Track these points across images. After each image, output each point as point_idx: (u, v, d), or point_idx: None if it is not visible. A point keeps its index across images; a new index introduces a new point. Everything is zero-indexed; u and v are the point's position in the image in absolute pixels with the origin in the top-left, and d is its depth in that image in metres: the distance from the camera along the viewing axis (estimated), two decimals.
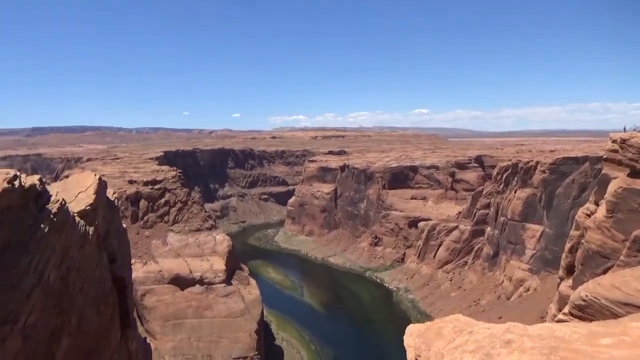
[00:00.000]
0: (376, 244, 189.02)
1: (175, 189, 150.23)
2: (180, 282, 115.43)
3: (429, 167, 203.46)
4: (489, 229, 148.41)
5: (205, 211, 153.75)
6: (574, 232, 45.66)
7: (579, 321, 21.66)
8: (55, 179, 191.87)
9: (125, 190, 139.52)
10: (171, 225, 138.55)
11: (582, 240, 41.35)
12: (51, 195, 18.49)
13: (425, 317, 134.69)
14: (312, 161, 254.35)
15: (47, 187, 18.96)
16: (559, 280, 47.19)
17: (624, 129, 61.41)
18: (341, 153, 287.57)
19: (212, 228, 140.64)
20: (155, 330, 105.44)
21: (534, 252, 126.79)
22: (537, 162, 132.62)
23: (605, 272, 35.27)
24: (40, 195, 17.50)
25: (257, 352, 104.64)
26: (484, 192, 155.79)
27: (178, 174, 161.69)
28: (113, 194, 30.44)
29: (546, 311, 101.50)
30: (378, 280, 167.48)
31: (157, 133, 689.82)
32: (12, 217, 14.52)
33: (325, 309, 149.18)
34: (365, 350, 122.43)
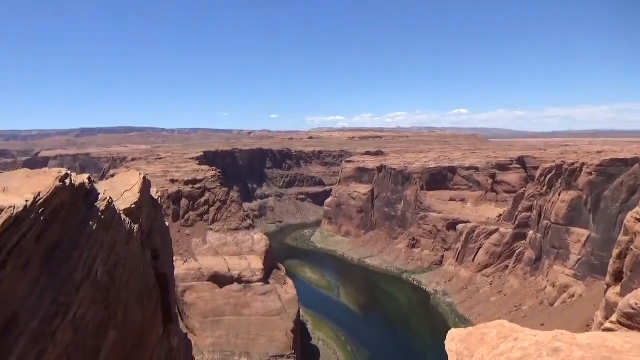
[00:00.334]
0: (413, 246, 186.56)
1: (214, 188, 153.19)
2: (219, 279, 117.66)
3: (468, 168, 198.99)
4: (531, 232, 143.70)
5: (244, 211, 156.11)
6: (622, 237, 43.50)
7: (628, 330, 20.64)
8: (102, 177, 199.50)
9: (167, 189, 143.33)
10: (210, 224, 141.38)
11: (632, 246, 39.36)
12: (99, 194, 19.18)
13: (463, 321, 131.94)
14: (349, 162, 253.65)
15: (95, 185, 19.67)
16: (606, 287, 45.09)
17: None
18: (378, 154, 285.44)
19: (250, 227, 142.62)
20: (194, 326, 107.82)
21: (579, 257, 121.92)
22: (583, 164, 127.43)
23: None
24: (89, 194, 18.18)
25: (293, 351, 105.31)
26: (526, 195, 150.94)
27: (217, 173, 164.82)
28: (156, 192, 31.34)
29: (592, 319, 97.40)
30: (415, 282, 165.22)
31: (197, 133, 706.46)
32: (64, 214, 15.16)
33: (361, 310, 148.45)
34: (402, 353, 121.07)
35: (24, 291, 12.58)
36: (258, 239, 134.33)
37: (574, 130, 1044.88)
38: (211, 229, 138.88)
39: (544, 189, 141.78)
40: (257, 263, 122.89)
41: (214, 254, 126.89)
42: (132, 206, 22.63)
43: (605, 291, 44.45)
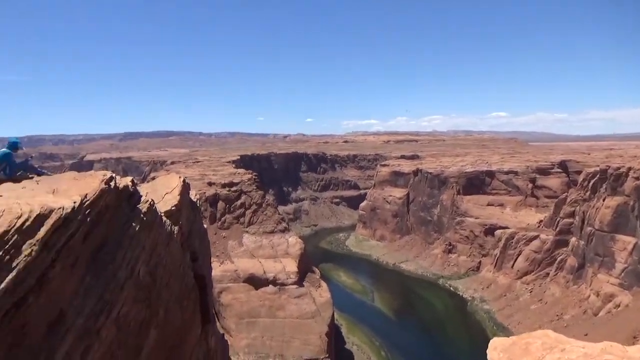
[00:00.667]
0: (450, 251, 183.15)
1: (250, 191, 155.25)
2: (255, 281, 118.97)
3: (507, 172, 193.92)
4: (573, 239, 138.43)
5: (279, 214, 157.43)
6: None
7: None
8: (143, 180, 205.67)
9: (204, 192, 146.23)
10: (246, 227, 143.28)
11: None
12: (141, 196, 19.69)
13: (502, 329, 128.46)
14: (384, 165, 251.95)
15: (137, 188, 20.24)
16: None
17: None
18: (414, 157, 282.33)
19: (285, 230, 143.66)
20: (230, 327, 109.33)
21: (626, 265, 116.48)
22: (630, 168, 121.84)
23: None
24: (132, 196, 18.71)
25: (327, 355, 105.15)
26: (568, 200, 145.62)
27: (253, 176, 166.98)
28: (195, 195, 31.98)
29: (639, 330, 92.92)
30: (452, 288, 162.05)
31: (234, 137, 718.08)
32: (109, 215, 15.67)
33: (396, 315, 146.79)
34: None
35: (71, 289, 13.07)
36: (293, 242, 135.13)
37: (619, 133, 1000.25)
38: (247, 232, 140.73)
39: (588, 194, 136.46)
40: (291, 266, 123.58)
41: (249, 256, 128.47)
42: (173, 208, 23.15)
43: None
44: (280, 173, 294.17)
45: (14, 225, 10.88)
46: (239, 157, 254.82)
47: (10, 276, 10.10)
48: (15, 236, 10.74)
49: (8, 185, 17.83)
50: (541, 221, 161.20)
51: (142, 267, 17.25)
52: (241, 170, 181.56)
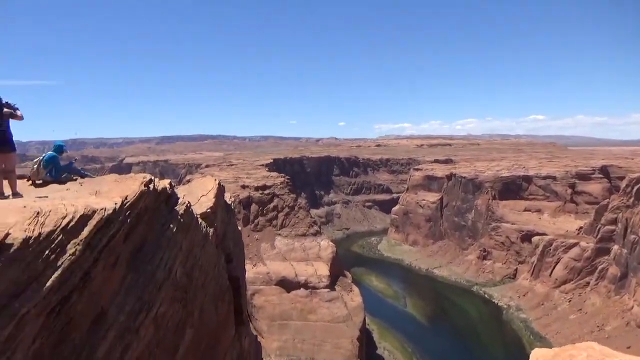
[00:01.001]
0: (485, 258, 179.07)
1: (283, 194, 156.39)
2: (286, 284, 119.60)
3: (545, 177, 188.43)
4: (615, 247, 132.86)
5: (311, 217, 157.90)
6: None
7: None
8: (179, 183, 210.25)
9: (238, 195, 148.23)
10: (279, 230, 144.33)
11: None
12: (178, 198, 20.10)
13: (539, 339, 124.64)
14: (417, 169, 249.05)
15: (174, 190, 20.66)
16: None
17: None
18: (448, 161, 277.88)
19: (317, 234, 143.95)
20: (262, 328, 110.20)
21: None
22: None
23: None
24: (169, 198, 19.10)
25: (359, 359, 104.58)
26: (610, 206, 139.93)
27: (286, 180, 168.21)
28: (230, 198, 32.47)
29: None
30: (486, 296, 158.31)
31: (267, 141, 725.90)
32: (148, 217, 16.05)
33: (428, 322, 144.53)
34: None
35: (112, 288, 13.45)
36: (325, 246, 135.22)
37: None
38: (279, 234, 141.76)
39: (631, 200, 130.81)
40: (323, 269, 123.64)
41: (281, 259, 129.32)
42: (208, 210, 23.55)
43: None
44: (312, 176, 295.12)
45: (60, 225, 11.27)
46: (272, 161, 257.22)
47: (55, 274, 10.47)
48: (61, 236, 11.12)
49: (54, 186, 18.58)
50: (581, 228, 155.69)
51: (179, 267, 17.59)
52: (274, 174, 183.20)
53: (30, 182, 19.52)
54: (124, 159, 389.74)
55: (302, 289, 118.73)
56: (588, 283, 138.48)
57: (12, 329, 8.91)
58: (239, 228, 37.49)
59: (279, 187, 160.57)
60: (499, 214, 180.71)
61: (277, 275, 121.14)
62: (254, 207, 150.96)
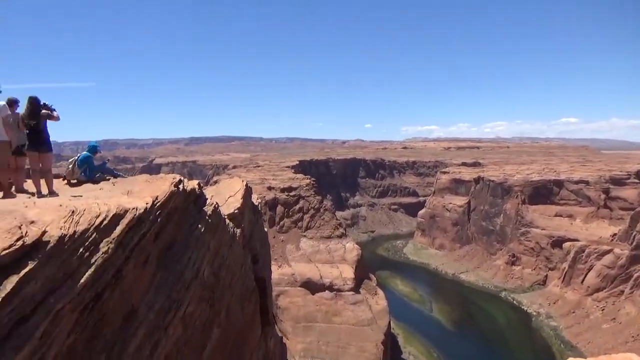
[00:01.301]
0: (513, 263, 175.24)
1: (309, 196, 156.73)
2: (311, 286, 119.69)
3: (577, 182, 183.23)
4: None
5: (336, 219, 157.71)
6: None
7: None
8: (206, 183, 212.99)
9: (264, 196, 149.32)
10: (304, 231, 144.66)
11: None
12: (207, 199, 20.35)
13: (570, 348, 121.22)
14: (444, 172, 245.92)
15: (203, 190, 20.92)
16: None
17: None
18: (475, 164, 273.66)
19: (342, 236, 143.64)
20: (287, 330, 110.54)
21: None
22: None
23: None
24: (198, 198, 19.36)
25: None
26: None
27: (312, 182, 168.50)
28: (257, 199, 32.74)
29: None
30: (515, 302, 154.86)
31: (293, 143, 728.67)
32: (177, 217, 16.30)
33: (455, 327, 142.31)
34: None
35: (142, 287, 13.71)
36: (350, 248, 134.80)
37: None
38: (305, 236, 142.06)
39: None
40: (348, 272, 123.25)
41: (306, 261, 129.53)
42: (235, 211, 23.79)
43: None
44: (338, 178, 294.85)
45: (93, 224, 11.55)
46: (298, 162, 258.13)
47: (89, 272, 10.73)
48: (94, 234, 11.40)
49: (88, 186, 19.09)
50: (615, 234, 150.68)
51: (207, 267, 17.81)
52: (300, 175, 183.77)
53: (65, 181, 20.12)
54: (153, 159, 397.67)
55: (326, 291, 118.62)
56: (622, 291, 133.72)
57: (47, 325, 9.17)
58: (265, 229, 37.72)
59: (304, 188, 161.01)
60: (528, 219, 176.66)
61: (302, 277, 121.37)
62: (279, 209, 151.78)
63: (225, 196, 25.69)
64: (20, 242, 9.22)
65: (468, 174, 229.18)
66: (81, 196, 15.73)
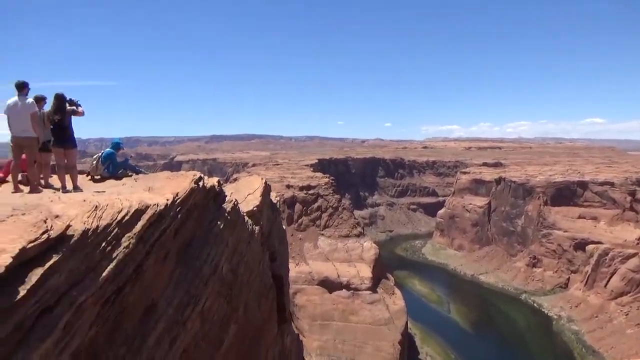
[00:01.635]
0: (534, 265, 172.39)
1: (327, 195, 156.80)
2: (328, 285, 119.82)
3: (602, 184, 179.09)
4: None
5: (355, 218, 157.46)
6: None
7: None
8: (226, 181, 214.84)
9: (283, 194, 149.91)
10: (322, 230, 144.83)
11: None
12: (226, 196, 20.56)
13: (591, 353, 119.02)
14: (464, 172, 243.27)
15: (222, 188, 21.14)
16: None
17: None
18: (497, 165, 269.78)
19: (360, 235, 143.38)
20: (303, 327, 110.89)
21: None
22: None
23: None
24: (217, 195, 19.57)
25: None
26: None
27: (331, 180, 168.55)
28: (275, 197, 32.93)
29: None
30: (535, 305, 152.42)
31: (313, 141, 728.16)
32: (197, 213, 16.52)
33: (473, 329, 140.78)
34: None
35: (162, 281, 13.95)
36: (368, 247, 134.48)
37: None
38: (322, 235, 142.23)
39: None
40: (366, 271, 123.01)
41: (324, 259, 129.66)
42: (254, 209, 23.98)
43: None
44: (357, 177, 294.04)
45: (116, 219, 11.81)
46: (317, 161, 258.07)
47: (111, 266, 10.98)
48: (116, 229, 11.65)
49: (111, 182, 19.51)
50: None
51: (225, 264, 18.01)
52: (319, 174, 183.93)
53: (89, 177, 20.59)
54: (175, 156, 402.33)
55: (344, 289, 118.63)
56: None
57: (70, 316, 9.41)
58: (283, 227, 37.91)
59: (323, 187, 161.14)
60: (550, 221, 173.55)
61: (320, 275, 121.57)
62: (298, 207, 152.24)
63: (244, 194, 25.91)
64: (45, 236, 9.48)
65: (489, 175, 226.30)
66: (104, 192, 16.08)
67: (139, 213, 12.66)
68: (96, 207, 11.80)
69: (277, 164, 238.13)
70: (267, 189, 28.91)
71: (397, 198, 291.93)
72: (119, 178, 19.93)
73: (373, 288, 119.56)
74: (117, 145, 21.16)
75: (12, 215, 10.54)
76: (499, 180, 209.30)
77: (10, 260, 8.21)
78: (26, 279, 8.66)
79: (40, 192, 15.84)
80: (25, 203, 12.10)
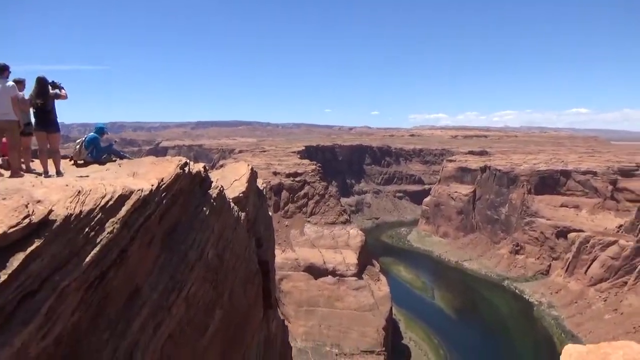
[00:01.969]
0: (517, 252, 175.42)
1: (314, 182, 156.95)
2: (314, 271, 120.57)
3: (584, 173, 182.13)
4: None
5: (341, 205, 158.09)
6: None
7: None
8: (212, 167, 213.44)
9: (269, 181, 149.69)
10: (309, 217, 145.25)
11: None
12: (212, 182, 20.44)
13: (570, 337, 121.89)
14: (450, 161, 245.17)
15: (208, 174, 21.01)
16: None
17: None
18: (482, 153, 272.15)
19: (346, 222, 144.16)
20: (289, 313, 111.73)
21: None
22: None
23: None
24: (203, 181, 19.45)
25: (384, 348, 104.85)
26: None
27: (317, 168, 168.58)
28: (262, 183, 32.84)
29: None
30: (517, 291, 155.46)
31: (300, 129, 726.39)
32: (182, 199, 16.43)
33: (456, 314, 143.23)
34: None
35: (147, 267, 13.89)
36: (354, 234, 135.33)
37: None
38: (309, 222, 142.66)
39: None
40: (351, 258, 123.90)
41: (310, 246, 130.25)
42: (240, 195, 23.88)
43: None
44: (344, 165, 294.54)
45: (99, 204, 11.69)
46: (304, 148, 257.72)
47: (94, 251, 10.89)
48: (100, 214, 11.53)
49: (94, 166, 19.24)
50: (621, 226, 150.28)
51: (211, 249, 17.97)
52: (305, 161, 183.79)
53: (72, 162, 20.28)
54: (160, 142, 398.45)
55: (329, 276, 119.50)
56: (626, 283, 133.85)
57: (53, 301, 9.36)
58: (270, 214, 37.88)
59: (310, 174, 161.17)
60: (534, 209, 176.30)
61: (306, 262, 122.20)
62: (284, 194, 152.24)
63: (230, 180, 25.78)
64: (26, 221, 9.37)
65: (474, 163, 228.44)
66: (87, 177, 15.87)
67: (123, 198, 12.53)
68: (79, 192, 11.66)
69: (264, 151, 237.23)
70: (253, 175, 28.80)
71: (384, 186, 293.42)
72: (102, 163, 19.66)
73: (358, 274, 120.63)
74: (101, 130, 20.84)
75: None
76: (484, 169, 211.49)
77: None
78: (7, 264, 8.58)
79: (21, 176, 15.58)
80: (6, 188, 11.89)
